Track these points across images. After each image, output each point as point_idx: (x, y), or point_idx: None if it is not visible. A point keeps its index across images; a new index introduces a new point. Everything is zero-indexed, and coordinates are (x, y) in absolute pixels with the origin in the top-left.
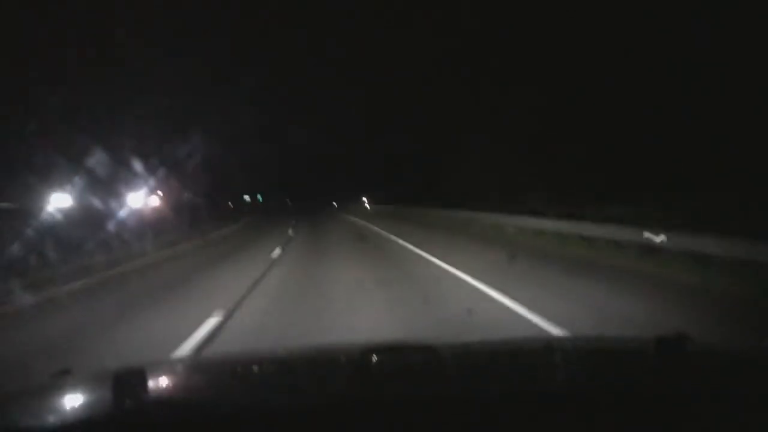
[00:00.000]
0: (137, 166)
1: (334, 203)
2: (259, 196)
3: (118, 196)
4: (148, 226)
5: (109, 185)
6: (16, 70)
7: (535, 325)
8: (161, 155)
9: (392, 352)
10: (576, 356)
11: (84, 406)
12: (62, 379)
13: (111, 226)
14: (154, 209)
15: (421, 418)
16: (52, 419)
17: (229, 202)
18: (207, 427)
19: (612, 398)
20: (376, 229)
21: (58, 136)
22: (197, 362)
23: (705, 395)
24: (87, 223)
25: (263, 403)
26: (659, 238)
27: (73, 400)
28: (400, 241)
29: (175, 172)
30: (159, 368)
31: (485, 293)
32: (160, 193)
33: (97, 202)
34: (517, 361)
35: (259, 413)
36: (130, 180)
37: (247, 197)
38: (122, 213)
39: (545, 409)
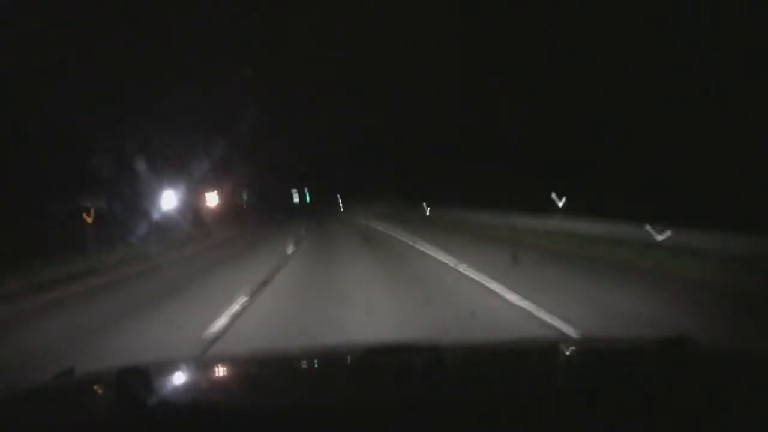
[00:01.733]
0: (143, 165)
1: (425, 205)
2: (306, 195)
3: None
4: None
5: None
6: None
7: None
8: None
9: (395, 352)
10: (579, 357)
11: (87, 406)
12: (66, 379)
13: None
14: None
15: (424, 419)
16: (55, 419)
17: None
18: (210, 427)
19: (614, 399)
20: None
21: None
22: (200, 362)
23: (707, 396)
24: None
25: (266, 404)
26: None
27: (76, 400)
28: None
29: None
30: (162, 368)
31: None
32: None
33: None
34: (519, 361)
35: (261, 413)
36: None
37: (296, 197)
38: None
39: (548, 410)
